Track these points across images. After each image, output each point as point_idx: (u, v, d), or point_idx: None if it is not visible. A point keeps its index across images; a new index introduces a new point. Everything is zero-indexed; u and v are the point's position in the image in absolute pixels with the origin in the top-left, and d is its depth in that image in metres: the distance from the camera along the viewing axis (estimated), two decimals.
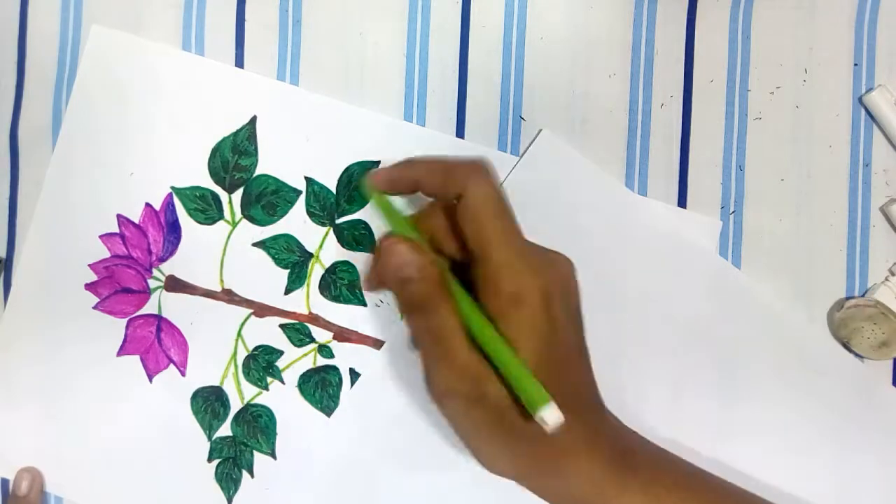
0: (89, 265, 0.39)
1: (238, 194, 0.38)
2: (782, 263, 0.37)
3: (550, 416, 0.26)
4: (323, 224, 0.38)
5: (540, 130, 0.37)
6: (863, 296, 0.37)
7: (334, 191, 0.38)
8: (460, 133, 0.38)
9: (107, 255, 0.39)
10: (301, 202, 0.38)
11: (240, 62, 0.39)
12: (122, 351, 0.39)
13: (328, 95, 0.38)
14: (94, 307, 0.39)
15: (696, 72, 0.38)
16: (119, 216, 0.39)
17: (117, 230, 0.39)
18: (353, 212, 0.38)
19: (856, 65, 0.37)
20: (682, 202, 0.38)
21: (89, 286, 0.39)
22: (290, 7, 0.39)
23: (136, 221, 0.39)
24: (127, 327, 0.39)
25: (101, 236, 0.39)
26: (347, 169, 0.38)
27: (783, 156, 0.37)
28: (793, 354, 0.37)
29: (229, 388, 0.38)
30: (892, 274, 0.37)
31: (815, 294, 0.37)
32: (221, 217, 0.38)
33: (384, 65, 0.38)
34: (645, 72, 0.38)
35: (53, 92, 0.39)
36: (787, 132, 0.37)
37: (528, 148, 0.38)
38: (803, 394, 0.37)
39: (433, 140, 0.38)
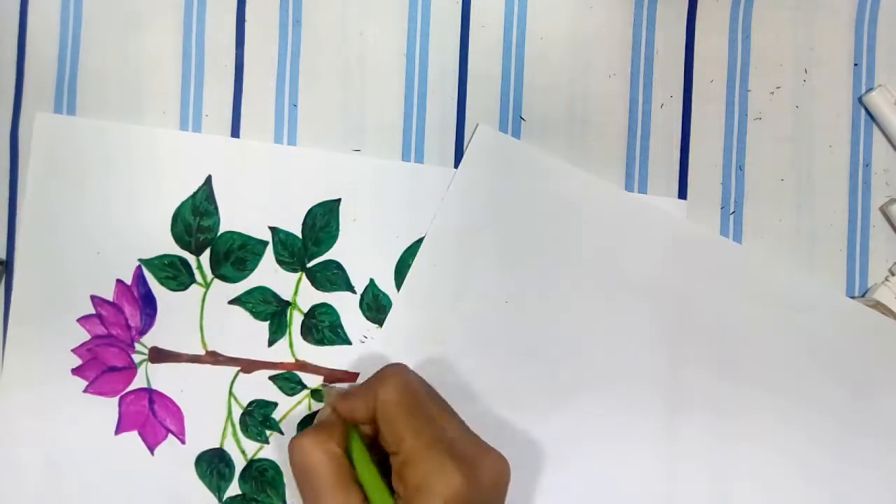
0: (72, 350, 0.39)
1: (206, 255, 0.38)
2: (782, 264, 0.37)
3: None
4: (294, 270, 0.38)
5: (476, 125, 0.38)
6: (863, 296, 0.37)
7: (300, 235, 0.38)
8: (460, 133, 0.38)
9: (87, 337, 0.39)
10: (269, 252, 0.38)
11: (240, 62, 0.39)
12: (119, 429, 0.39)
13: (327, 101, 0.38)
14: (84, 391, 0.39)
15: (696, 72, 0.38)
16: (93, 297, 0.39)
17: (93, 311, 0.39)
18: (322, 253, 0.38)
19: (856, 65, 0.37)
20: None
21: (76, 371, 0.39)
22: (290, 7, 0.39)
23: (110, 299, 0.39)
24: (120, 405, 0.39)
25: (78, 319, 0.39)
26: (310, 212, 0.38)
27: (783, 156, 0.37)
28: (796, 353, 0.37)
29: (230, 448, 0.38)
30: (892, 274, 0.37)
31: None
32: (193, 281, 0.38)
33: (384, 65, 0.38)
34: (645, 72, 0.38)
35: (54, 92, 0.39)
36: (787, 132, 0.37)
37: (468, 147, 0.38)
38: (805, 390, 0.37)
39: (388, 170, 0.38)
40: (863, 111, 0.37)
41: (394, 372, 0.33)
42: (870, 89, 0.37)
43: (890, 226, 0.37)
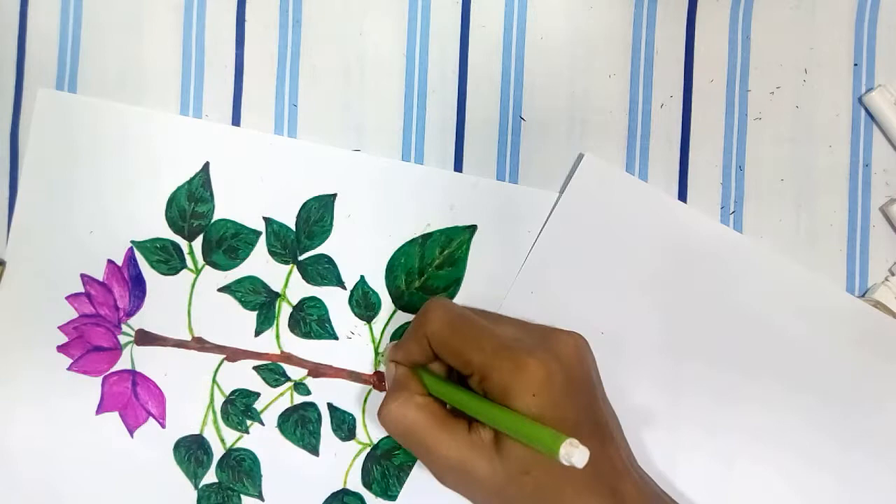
0: (59, 327, 0.39)
1: (198, 241, 0.38)
2: (782, 263, 0.37)
3: (574, 455, 0.26)
4: (286, 262, 0.38)
5: (581, 155, 0.37)
6: (863, 296, 0.37)
7: (294, 228, 0.38)
8: (460, 133, 0.38)
9: (75, 315, 0.39)
10: (262, 243, 0.38)
11: (240, 62, 0.39)
12: (100, 409, 0.39)
13: (327, 101, 0.38)
14: (69, 368, 0.39)
15: (696, 72, 0.38)
16: (83, 275, 0.39)
17: (83, 289, 0.39)
18: (315, 247, 0.38)
19: (856, 65, 0.37)
20: (682, 202, 0.38)
21: (61, 348, 0.39)
22: (290, 7, 0.39)
23: (100, 279, 0.39)
24: (103, 385, 0.39)
25: (67, 297, 0.39)
26: (305, 205, 0.38)
27: (783, 156, 0.37)
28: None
29: (210, 435, 0.38)
30: (892, 274, 0.37)
31: None
32: (184, 266, 0.38)
33: (384, 65, 0.38)
34: (645, 72, 0.38)
35: None
36: (787, 132, 0.37)
37: (571, 176, 0.37)
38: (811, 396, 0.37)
39: (386, 169, 0.38)
40: (863, 111, 0.37)
41: (433, 305, 0.32)
42: (870, 89, 0.37)
43: (890, 226, 0.37)
